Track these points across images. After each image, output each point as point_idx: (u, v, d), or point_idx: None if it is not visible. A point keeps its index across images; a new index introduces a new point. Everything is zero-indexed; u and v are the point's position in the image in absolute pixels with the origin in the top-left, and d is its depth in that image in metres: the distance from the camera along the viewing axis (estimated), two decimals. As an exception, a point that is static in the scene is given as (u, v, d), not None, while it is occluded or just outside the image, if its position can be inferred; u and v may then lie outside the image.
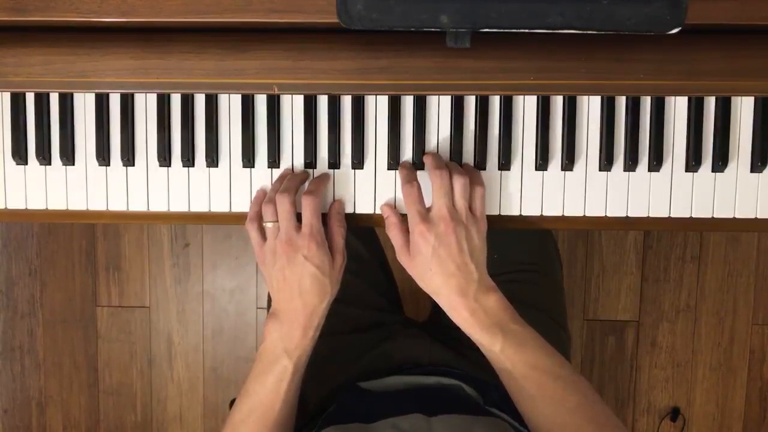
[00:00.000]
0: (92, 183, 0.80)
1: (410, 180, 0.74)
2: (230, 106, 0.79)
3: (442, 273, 0.71)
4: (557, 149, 0.78)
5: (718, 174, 0.78)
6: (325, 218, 0.77)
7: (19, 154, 0.79)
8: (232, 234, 1.72)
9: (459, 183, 0.72)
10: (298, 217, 0.74)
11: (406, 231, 0.74)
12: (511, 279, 0.98)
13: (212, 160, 0.79)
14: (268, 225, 0.74)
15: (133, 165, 0.79)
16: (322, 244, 0.73)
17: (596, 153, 0.78)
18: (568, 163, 0.78)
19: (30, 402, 1.78)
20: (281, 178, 0.78)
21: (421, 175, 0.76)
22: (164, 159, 0.79)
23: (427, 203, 0.74)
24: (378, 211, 0.79)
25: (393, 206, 0.77)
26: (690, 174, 0.78)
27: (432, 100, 0.78)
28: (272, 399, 0.74)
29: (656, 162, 0.78)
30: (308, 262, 0.72)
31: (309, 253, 0.72)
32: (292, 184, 0.75)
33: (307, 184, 0.78)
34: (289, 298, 0.73)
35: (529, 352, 0.71)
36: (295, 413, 0.78)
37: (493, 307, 0.71)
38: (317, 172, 0.79)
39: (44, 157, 0.79)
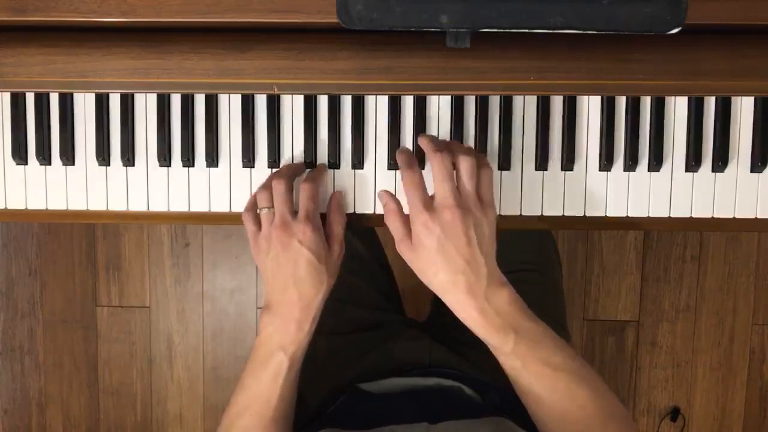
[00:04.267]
0: (92, 183, 0.80)
1: (411, 165, 0.69)
2: (230, 106, 0.79)
3: (449, 269, 0.65)
4: (557, 149, 0.78)
5: (718, 174, 0.78)
6: (323, 215, 0.76)
7: (19, 154, 0.79)
8: (232, 234, 1.72)
9: (465, 163, 0.66)
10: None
11: (406, 220, 0.68)
12: (511, 279, 0.97)
13: (212, 160, 0.79)
14: (264, 211, 0.72)
15: (133, 165, 0.79)
16: (317, 230, 0.71)
17: (596, 153, 0.78)
18: (568, 163, 0.78)
19: (30, 402, 1.78)
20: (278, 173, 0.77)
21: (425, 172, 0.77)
22: (164, 159, 0.79)
23: (430, 192, 0.68)
24: (378, 211, 0.79)
25: (392, 194, 0.73)
26: (690, 174, 0.78)
27: (432, 100, 0.78)
28: (268, 394, 0.72)
29: (656, 162, 0.78)
30: (303, 247, 0.69)
31: (304, 238, 0.69)
32: (290, 171, 0.74)
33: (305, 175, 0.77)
34: (284, 288, 0.70)
35: (542, 349, 0.67)
36: (293, 409, 0.77)
37: (504, 304, 0.66)
38: (317, 172, 0.79)
39: (44, 157, 0.79)
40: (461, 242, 0.64)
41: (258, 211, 0.73)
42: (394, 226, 0.69)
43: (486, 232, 0.66)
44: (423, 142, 0.71)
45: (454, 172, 0.67)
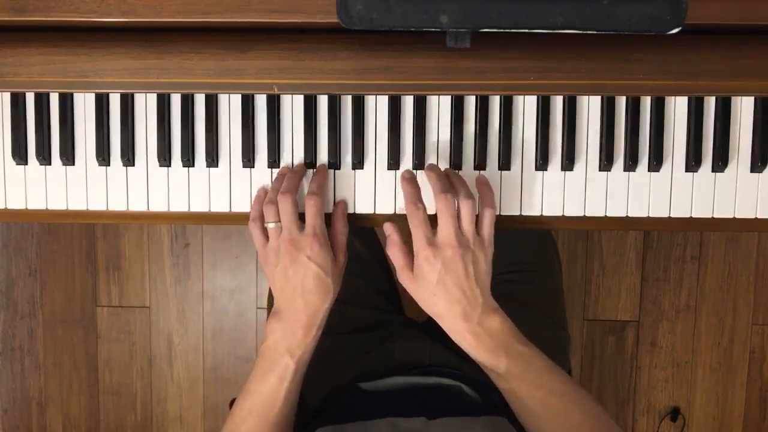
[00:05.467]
0: (92, 183, 0.80)
1: (414, 201, 0.73)
2: (230, 106, 0.79)
3: (447, 299, 0.70)
4: (557, 149, 0.78)
5: (718, 174, 0.78)
6: (327, 218, 0.77)
7: (19, 154, 0.79)
8: (232, 234, 1.72)
9: (466, 207, 0.71)
10: (301, 217, 0.74)
11: (407, 253, 0.73)
12: (511, 279, 0.98)
13: (212, 160, 0.79)
14: (270, 225, 0.74)
15: (133, 165, 0.79)
16: (325, 244, 0.73)
17: (596, 153, 0.78)
18: (568, 163, 0.78)
19: (30, 402, 1.78)
20: (280, 176, 0.78)
21: (422, 184, 0.77)
22: (164, 159, 0.79)
23: (427, 204, 0.73)
24: (379, 211, 0.79)
25: (396, 227, 0.76)
26: (690, 174, 0.78)
27: (432, 100, 0.78)
28: (273, 398, 0.74)
29: (656, 162, 0.78)
30: (311, 262, 0.72)
31: (312, 253, 0.72)
32: (293, 183, 0.75)
33: (306, 181, 0.78)
34: (292, 298, 0.73)
35: (533, 371, 0.71)
36: (295, 412, 0.78)
37: (496, 329, 0.71)
38: (317, 172, 0.79)
39: (44, 157, 0.79)
40: (460, 276, 0.69)
41: (265, 224, 0.75)
42: (395, 257, 0.73)
43: (482, 267, 0.71)
44: (431, 178, 0.74)
45: (457, 212, 0.71)
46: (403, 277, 0.73)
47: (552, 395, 0.70)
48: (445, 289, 0.70)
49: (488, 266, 0.72)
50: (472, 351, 0.72)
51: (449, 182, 0.73)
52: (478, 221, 0.72)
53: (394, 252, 0.73)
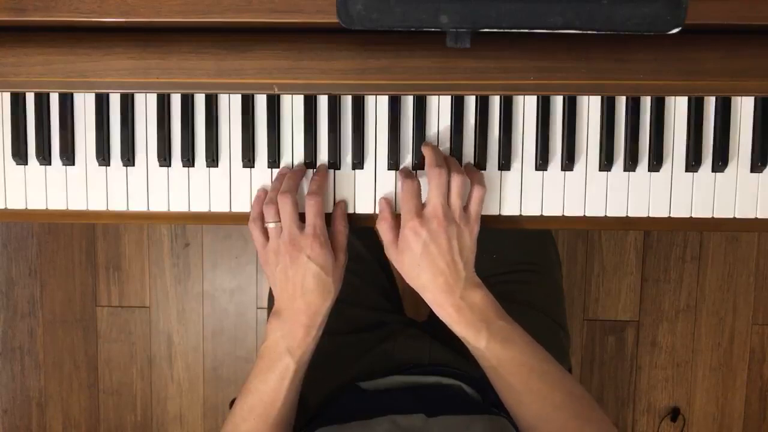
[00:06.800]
0: (92, 183, 0.80)
1: (410, 175, 0.75)
2: (230, 106, 0.79)
3: (431, 270, 0.71)
4: (557, 149, 0.78)
5: (718, 174, 0.78)
6: (327, 217, 0.77)
7: (19, 154, 0.79)
8: (232, 234, 1.72)
9: (456, 182, 0.72)
10: (301, 217, 0.74)
11: (395, 228, 0.74)
12: (510, 279, 0.98)
13: (212, 160, 0.79)
14: (271, 225, 0.75)
15: (133, 165, 0.79)
16: (325, 244, 0.73)
17: (596, 153, 0.78)
18: (568, 163, 0.78)
19: (30, 402, 1.78)
20: (280, 176, 0.78)
21: (421, 178, 0.77)
22: (164, 159, 0.79)
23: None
24: (378, 211, 0.79)
25: (391, 203, 0.78)
26: (690, 174, 0.78)
27: (432, 100, 0.78)
28: (273, 397, 0.74)
29: (656, 162, 0.78)
30: (312, 262, 0.72)
31: (312, 253, 0.72)
32: (293, 183, 0.75)
33: (306, 181, 0.78)
34: (292, 297, 0.73)
35: (515, 348, 0.71)
36: (295, 412, 0.78)
37: (478, 303, 0.72)
38: (317, 172, 0.79)
39: (44, 157, 0.79)
40: (443, 248, 0.71)
41: (265, 225, 0.75)
42: (384, 231, 0.75)
43: (467, 243, 0.73)
44: (426, 152, 0.76)
45: (448, 187, 0.72)
46: (390, 251, 0.75)
47: (533, 373, 0.70)
48: (429, 260, 0.71)
49: (473, 242, 0.74)
50: (453, 325, 0.73)
51: (443, 159, 0.75)
52: (468, 198, 0.74)
53: (383, 227, 0.75)
